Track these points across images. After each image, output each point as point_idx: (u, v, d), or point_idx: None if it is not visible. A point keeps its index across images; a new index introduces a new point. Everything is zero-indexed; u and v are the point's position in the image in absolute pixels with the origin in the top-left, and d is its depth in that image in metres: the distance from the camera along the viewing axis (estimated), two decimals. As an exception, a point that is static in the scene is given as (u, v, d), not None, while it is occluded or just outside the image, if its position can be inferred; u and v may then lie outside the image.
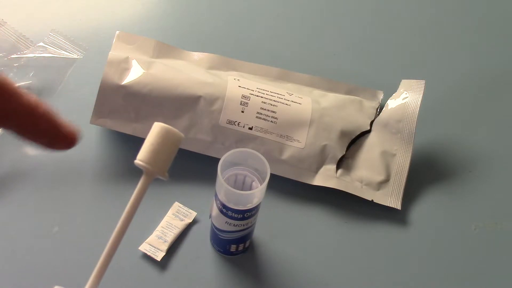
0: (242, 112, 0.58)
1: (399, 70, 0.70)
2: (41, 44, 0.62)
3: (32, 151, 0.59)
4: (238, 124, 0.58)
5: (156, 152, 0.40)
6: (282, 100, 0.59)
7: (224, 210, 0.48)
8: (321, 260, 0.55)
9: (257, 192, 0.47)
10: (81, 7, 0.71)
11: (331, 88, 0.65)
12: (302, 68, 0.68)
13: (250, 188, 0.50)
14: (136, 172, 0.60)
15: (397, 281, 0.55)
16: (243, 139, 0.58)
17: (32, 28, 0.67)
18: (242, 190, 0.50)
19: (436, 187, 0.61)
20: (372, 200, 0.58)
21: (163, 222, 0.55)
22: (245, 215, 0.48)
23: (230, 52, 0.68)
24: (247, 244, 0.54)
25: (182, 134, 0.40)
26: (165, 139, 0.40)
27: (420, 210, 0.59)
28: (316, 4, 0.76)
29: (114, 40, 0.62)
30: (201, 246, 0.55)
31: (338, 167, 0.59)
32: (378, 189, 0.59)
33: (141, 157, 0.40)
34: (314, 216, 0.58)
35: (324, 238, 0.57)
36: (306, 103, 0.60)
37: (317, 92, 0.64)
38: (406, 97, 0.62)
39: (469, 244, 0.58)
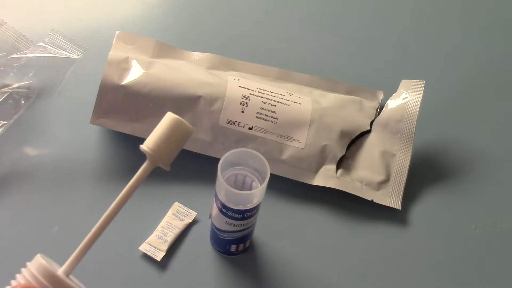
0: (242, 112, 0.58)
1: (399, 70, 0.70)
2: (41, 44, 0.62)
3: (32, 151, 0.59)
4: (238, 124, 0.58)
5: (163, 141, 0.40)
6: (282, 100, 0.59)
7: (224, 210, 0.48)
8: (321, 260, 0.55)
9: (257, 192, 0.47)
10: (81, 7, 0.71)
11: (331, 88, 0.65)
12: (302, 68, 0.68)
13: (250, 188, 0.50)
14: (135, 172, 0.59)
15: (397, 281, 0.55)
16: (243, 139, 0.58)
17: (32, 28, 0.67)
18: (242, 190, 0.50)
19: (436, 187, 0.61)
20: (372, 200, 0.58)
21: (163, 222, 0.55)
22: (245, 215, 0.48)
23: (230, 52, 0.68)
24: (247, 244, 0.54)
25: (192, 128, 0.41)
26: (174, 130, 0.40)
27: (420, 210, 0.59)
28: (316, 4, 0.76)
29: (114, 40, 0.62)
30: (201, 246, 0.55)
31: (338, 167, 0.59)
32: (378, 189, 0.59)
33: (147, 143, 0.41)
34: (314, 216, 0.58)
35: (324, 238, 0.57)
36: (306, 103, 0.60)
37: (317, 92, 0.64)
38: (406, 97, 0.62)
39: (469, 244, 0.58)
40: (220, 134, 0.58)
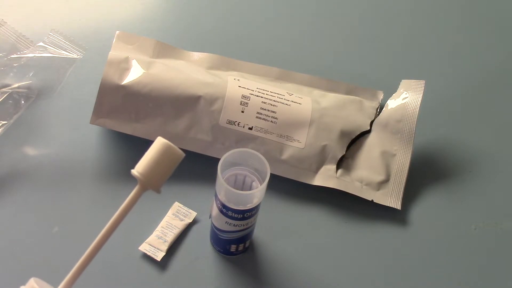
0: (242, 112, 0.58)
1: (399, 70, 0.70)
2: (41, 44, 0.62)
3: (32, 151, 0.59)
4: (238, 124, 0.58)
5: (153, 166, 0.41)
6: (282, 100, 0.60)
7: (224, 210, 0.48)
8: (321, 260, 0.55)
9: (257, 192, 0.47)
10: (81, 7, 0.71)
11: (331, 88, 0.65)
12: (302, 68, 0.68)
13: (250, 188, 0.50)
14: (136, 172, 0.59)
15: (397, 281, 0.55)
16: (243, 139, 0.58)
17: (32, 28, 0.67)
18: (242, 190, 0.50)
19: (436, 187, 0.61)
20: (372, 200, 0.58)
21: (163, 222, 0.55)
22: (245, 215, 0.48)
23: (230, 52, 0.68)
24: (247, 244, 0.54)
25: (182, 153, 0.42)
26: (164, 155, 0.41)
27: (420, 210, 0.59)
28: (316, 4, 0.76)
29: (114, 40, 0.62)
30: (201, 246, 0.55)
31: (338, 167, 0.59)
32: (378, 189, 0.59)
33: (138, 168, 0.41)
34: (314, 216, 0.58)
35: (324, 238, 0.57)
36: (306, 103, 0.60)
37: (317, 92, 0.64)
38: (406, 97, 0.62)
39: (469, 244, 0.58)
40: (220, 134, 0.58)
